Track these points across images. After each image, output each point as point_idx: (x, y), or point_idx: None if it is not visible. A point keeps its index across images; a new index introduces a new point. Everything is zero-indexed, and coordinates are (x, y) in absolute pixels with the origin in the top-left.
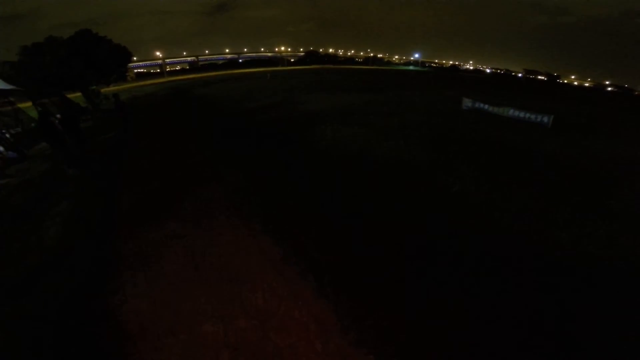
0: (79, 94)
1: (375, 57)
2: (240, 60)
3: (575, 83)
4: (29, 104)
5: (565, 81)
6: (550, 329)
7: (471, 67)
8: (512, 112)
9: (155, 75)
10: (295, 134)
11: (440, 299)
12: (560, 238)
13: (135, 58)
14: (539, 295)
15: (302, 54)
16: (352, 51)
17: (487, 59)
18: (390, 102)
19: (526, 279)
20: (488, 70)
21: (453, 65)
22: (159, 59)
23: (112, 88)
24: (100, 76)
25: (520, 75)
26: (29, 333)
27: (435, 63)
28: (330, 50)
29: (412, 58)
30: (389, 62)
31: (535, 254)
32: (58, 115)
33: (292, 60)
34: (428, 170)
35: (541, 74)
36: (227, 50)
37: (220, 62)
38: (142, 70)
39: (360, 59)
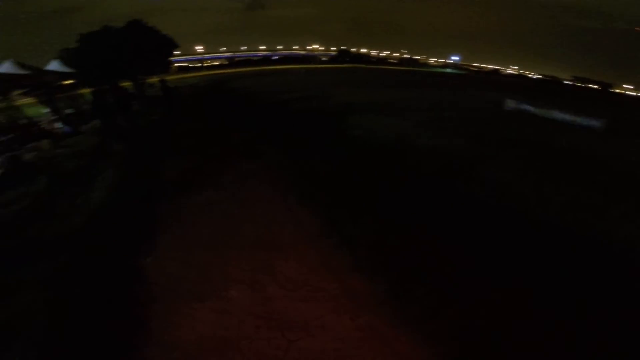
0: (128, 83)
1: (410, 58)
2: (273, 57)
3: (631, 93)
4: (88, 90)
5: (619, 90)
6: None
7: (514, 72)
8: (559, 114)
9: (195, 69)
10: (332, 121)
11: (487, 277)
12: (615, 233)
13: (175, 53)
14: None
15: (335, 52)
16: (387, 52)
17: (533, 65)
18: (427, 99)
19: (581, 267)
20: (533, 76)
21: (494, 70)
22: (199, 53)
23: (157, 79)
24: (148, 65)
25: (569, 82)
26: (58, 288)
27: (475, 67)
28: (363, 50)
29: (449, 60)
30: (426, 64)
31: (588, 244)
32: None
33: (324, 58)
34: (469, 160)
35: (593, 82)
36: (261, 47)
37: (255, 58)
38: (183, 64)
39: (394, 59)
